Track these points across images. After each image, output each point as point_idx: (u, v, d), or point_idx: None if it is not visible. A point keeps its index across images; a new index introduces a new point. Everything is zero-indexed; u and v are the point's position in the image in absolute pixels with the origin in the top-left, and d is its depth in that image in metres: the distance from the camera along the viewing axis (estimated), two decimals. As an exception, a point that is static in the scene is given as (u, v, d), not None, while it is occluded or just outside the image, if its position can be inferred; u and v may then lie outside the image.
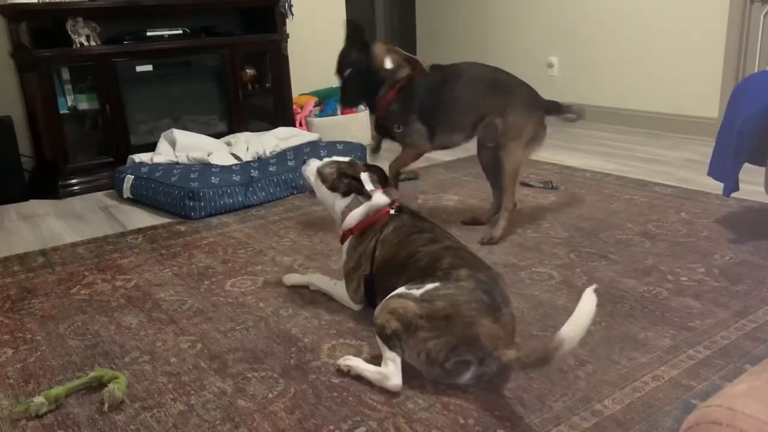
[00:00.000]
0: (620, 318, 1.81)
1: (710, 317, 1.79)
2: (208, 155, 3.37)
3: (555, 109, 2.54)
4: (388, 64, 2.48)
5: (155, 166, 3.28)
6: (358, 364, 1.59)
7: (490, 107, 2.44)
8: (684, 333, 1.71)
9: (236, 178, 3.08)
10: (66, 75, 3.50)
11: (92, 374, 1.59)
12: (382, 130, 2.64)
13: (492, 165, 2.60)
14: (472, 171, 3.50)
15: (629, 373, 1.54)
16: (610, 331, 1.74)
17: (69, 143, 3.48)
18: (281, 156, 3.46)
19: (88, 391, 1.57)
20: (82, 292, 2.18)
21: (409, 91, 2.48)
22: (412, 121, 2.49)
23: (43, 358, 1.75)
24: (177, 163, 3.37)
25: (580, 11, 4.69)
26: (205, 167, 3.23)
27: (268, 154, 3.51)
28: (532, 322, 1.81)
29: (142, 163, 3.37)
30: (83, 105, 3.56)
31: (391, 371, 1.51)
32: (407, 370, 1.57)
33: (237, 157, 3.43)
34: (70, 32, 3.40)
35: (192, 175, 3.07)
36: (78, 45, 3.42)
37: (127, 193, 3.22)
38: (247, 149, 3.49)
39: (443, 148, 2.62)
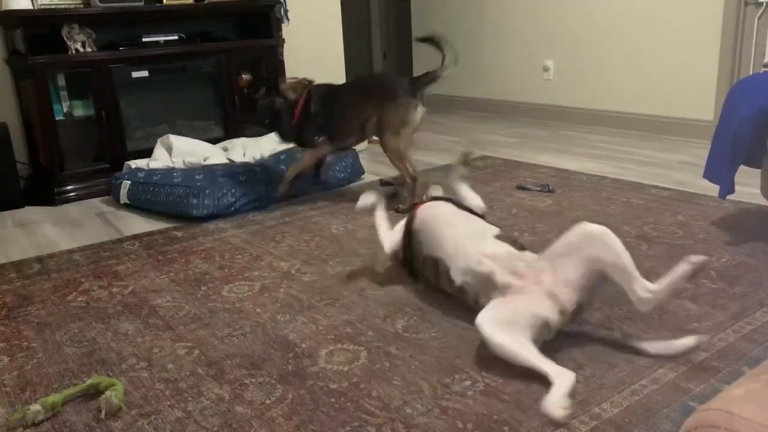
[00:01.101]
0: (618, 321, 1.81)
1: (708, 319, 1.79)
2: (205, 160, 3.37)
3: (425, 83, 2.91)
4: (291, 94, 3.09)
5: (152, 172, 3.28)
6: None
7: (366, 112, 2.96)
8: (682, 335, 1.71)
9: (242, 178, 3.11)
10: (62, 81, 3.49)
11: (89, 381, 1.58)
12: (299, 142, 3.20)
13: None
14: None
15: (627, 376, 1.54)
16: (608, 334, 1.74)
17: (65, 150, 3.48)
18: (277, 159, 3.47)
19: (85, 399, 1.56)
20: (79, 298, 2.17)
21: (309, 110, 3.06)
22: (316, 131, 3.09)
23: (39, 365, 1.74)
24: (174, 169, 3.37)
25: (575, 15, 4.70)
26: (209, 169, 3.24)
27: (266, 157, 3.51)
28: (529, 325, 1.81)
29: (138, 169, 3.37)
30: (79, 111, 3.56)
31: None
32: (408, 377, 1.57)
33: (233, 163, 3.43)
34: (65, 38, 3.40)
35: (197, 176, 3.08)
36: (73, 51, 3.42)
37: (124, 199, 3.22)
38: (244, 154, 3.49)
39: (343, 149, 3.25)
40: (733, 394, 0.69)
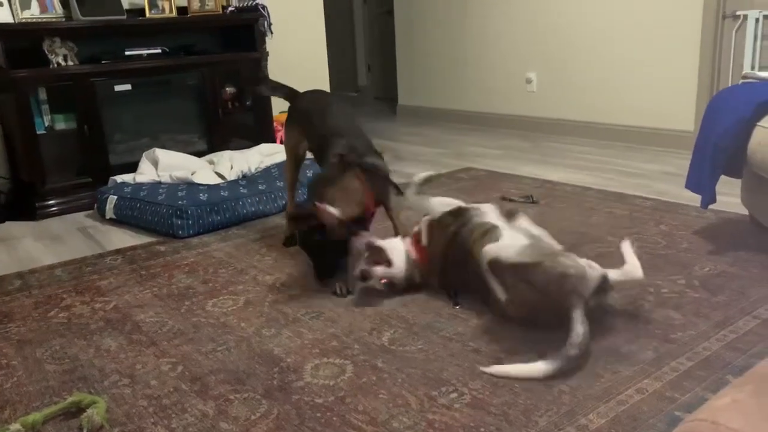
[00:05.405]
0: (603, 331, 1.81)
1: (692, 328, 1.80)
2: (192, 174, 3.34)
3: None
4: None
5: (139, 186, 3.25)
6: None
7: None
8: (666, 345, 1.72)
9: (225, 193, 3.08)
10: (43, 95, 3.46)
11: (70, 399, 1.56)
12: None
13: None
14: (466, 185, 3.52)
15: (613, 386, 1.55)
16: (593, 344, 1.74)
17: (46, 164, 3.44)
18: (266, 173, 3.45)
19: (66, 417, 1.54)
20: (60, 315, 2.14)
21: None
22: None
23: (19, 383, 1.71)
24: (160, 183, 3.34)
25: (558, 28, 4.75)
26: (192, 185, 3.22)
27: (253, 170, 3.50)
28: (517, 336, 1.81)
29: (124, 183, 3.34)
30: (61, 125, 3.53)
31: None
32: (394, 390, 1.56)
33: (221, 176, 3.40)
34: (47, 52, 3.37)
35: (179, 194, 3.05)
36: (55, 65, 3.39)
37: (110, 214, 3.18)
38: (231, 167, 3.46)
39: None
40: (719, 404, 0.69)
